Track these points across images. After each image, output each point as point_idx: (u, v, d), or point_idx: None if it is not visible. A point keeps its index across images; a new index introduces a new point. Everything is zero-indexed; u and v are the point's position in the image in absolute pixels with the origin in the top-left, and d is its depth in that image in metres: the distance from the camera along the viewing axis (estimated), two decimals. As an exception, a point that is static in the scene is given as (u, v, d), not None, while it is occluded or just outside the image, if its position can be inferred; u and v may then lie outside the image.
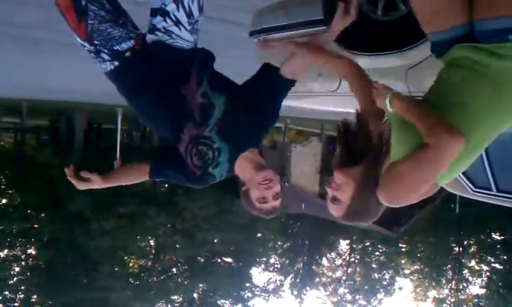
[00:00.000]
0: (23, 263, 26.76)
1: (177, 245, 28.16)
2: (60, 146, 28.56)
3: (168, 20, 2.22)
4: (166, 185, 31.61)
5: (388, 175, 1.80)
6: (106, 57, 2.25)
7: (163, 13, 2.21)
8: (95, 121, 31.97)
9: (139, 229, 27.19)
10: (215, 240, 28.14)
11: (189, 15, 2.24)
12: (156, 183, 32.01)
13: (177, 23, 2.23)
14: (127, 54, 2.24)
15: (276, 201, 2.21)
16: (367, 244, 36.32)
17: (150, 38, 2.26)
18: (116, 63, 2.25)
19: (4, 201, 30.21)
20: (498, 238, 28.92)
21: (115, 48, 2.22)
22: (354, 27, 2.96)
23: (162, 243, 28.77)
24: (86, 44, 2.24)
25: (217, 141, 2.19)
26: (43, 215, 27.59)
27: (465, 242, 31.39)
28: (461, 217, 28.26)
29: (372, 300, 33.22)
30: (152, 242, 29.66)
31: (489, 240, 30.09)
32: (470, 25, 1.79)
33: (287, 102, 4.10)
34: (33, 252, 27.25)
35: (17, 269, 26.53)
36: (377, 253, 36.10)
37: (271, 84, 2.41)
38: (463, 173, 3.43)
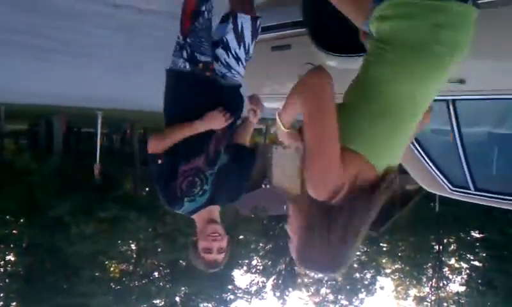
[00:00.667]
0: (1, 269, 26.36)
1: (159, 249, 28.00)
2: (39, 151, 28.22)
3: (229, 54, 2.51)
4: (147, 189, 31.45)
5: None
6: (185, 55, 2.44)
7: (225, 47, 2.49)
8: (75, 124, 31.68)
9: (120, 234, 26.97)
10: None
11: (247, 52, 2.57)
12: (137, 187, 31.88)
13: (237, 59, 2.53)
14: (200, 65, 2.44)
15: (219, 255, 2.38)
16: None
17: (216, 67, 2.50)
18: (188, 67, 2.45)
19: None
20: (478, 236, 29.30)
21: (196, 54, 2.42)
22: (333, 30, 2.99)
23: (144, 247, 28.59)
24: (180, 36, 2.46)
25: (208, 185, 2.41)
26: (22, 220, 27.22)
27: (445, 240, 31.76)
28: (441, 215, 28.61)
29: (354, 300, 33.43)
30: (133, 246, 29.45)
31: (468, 238, 30.48)
32: None
33: (266, 104, 4.14)
34: (12, 259, 26.85)
35: (-5, 276, 26.15)
36: (358, 253, 36.38)
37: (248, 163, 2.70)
38: (441, 172, 3.48)
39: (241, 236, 31.80)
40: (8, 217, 27.22)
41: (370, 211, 1.60)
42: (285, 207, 31.08)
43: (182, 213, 2.50)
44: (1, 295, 25.84)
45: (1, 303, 25.78)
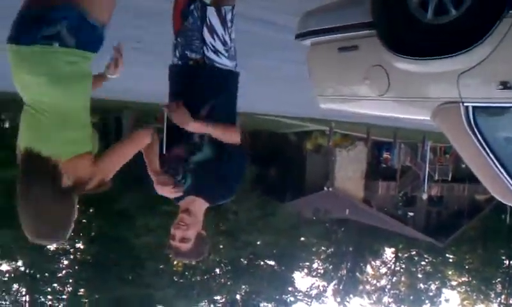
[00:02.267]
0: (71, 256, 27.47)
1: (221, 246, 28.28)
2: (108, 144, 29.19)
3: (215, 37, 2.50)
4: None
5: None
6: (177, 54, 2.58)
7: (210, 29, 2.50)
8: (143, 120, 32.58)
9: (185, 229, 27.44)
10: (258, 243, 28.13)
11: (224, 42, 2.52)
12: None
13: (215, 51, 2.50)
14: (191, 62, 2.53)
15: (181, 244, 2.42)
16: (413, 253, 35.61)
17: (208, 56, 2.52)
18: (180, 63, 2.57)
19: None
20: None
21: (186, 52, 2.53)
22: (404, 31, 2.90)
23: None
24: (173, 34, 2.60)
25: (188, 175, 2.48)
26: (91, 210, 28.26)
27: (516, 255, 30.34)
28: (512, 228, 27.35)
29: (417, 310, 32.54)
30: (196, 242, 29.90)
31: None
32: None
33: (332, 105, 4.07)
34: (81, 247, 27.94)
35: (66, 262, 27.27)
36: (423, 263, 35.35)
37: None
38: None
39: (302, 239, 31.63)
40: (78, 206, 28.33)
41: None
42: (347, 211, 30.72)
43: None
44: (70, 281, 26.99)
45: (70, 288, 26.92)
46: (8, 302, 26.46)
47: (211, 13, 2.48)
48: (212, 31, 2.48)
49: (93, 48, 2.04)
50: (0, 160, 27.57)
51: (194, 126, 2.41)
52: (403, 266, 36.14)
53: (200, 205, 2.52)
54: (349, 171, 32.79)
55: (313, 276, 33.90)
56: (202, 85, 2.52)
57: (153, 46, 6.69)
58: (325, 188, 31.72)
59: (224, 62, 2.53)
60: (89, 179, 2.10)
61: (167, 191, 2.52)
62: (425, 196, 30.95)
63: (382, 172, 34.60)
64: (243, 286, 29.29)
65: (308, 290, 32.67)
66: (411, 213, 35.12)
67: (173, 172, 2.49)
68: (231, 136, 2.49)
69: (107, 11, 2.08)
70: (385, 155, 36.21)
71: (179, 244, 2.43)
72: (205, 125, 2.41)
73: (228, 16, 2.53)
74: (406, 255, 36.04)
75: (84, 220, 28.08)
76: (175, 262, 28.62)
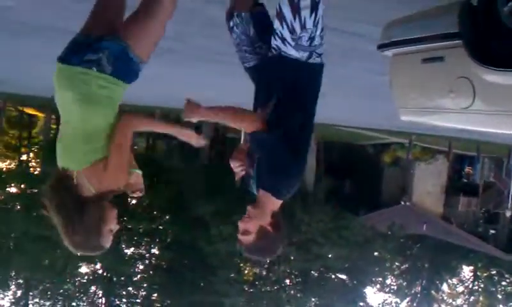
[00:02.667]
0: (146, 261, 28.34)
1: (292, 257, 28.20)
2: (187, 152, 29.92)
3: (276, 36, 2.45)
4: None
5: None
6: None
7: (280, 17, 2.43)
8: (221, 129, 33.18)
9: (256, 238, 27.60)
10: (330, 256, 27.82)
11: (292, 30, 2.40)
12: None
13: (283, 40, 2.43)
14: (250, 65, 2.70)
15: (243, 236, 2.39)
16: (493, 272, 34.04)
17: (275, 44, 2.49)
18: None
19: (133, 202, 32.29)
20: None
21: (244, 64, 2.72)
22: (494, 41, 2.76)
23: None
24: None
25: (254, 171, 2.49)
26: (167, 217, 29.05)
27: None
28: None
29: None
30: (267, 252, 29.97)
31: None
32: None
33: (413, 118, 3.95)
34: (156, 252, 28.77)
35: (141, 267, 28.16)
36: (504, 283, 33.69)
37: None
38: None
39: (376, 253, 30.96)
40: (155, 212, 29.23)
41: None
42: (424, 226, 29.78)
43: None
44: (145, 285, 27.83)
45: (144, 293, 27.76)
46: (85, 304, 27.67)
47: (283, 1, 2.40)
48: (281, 18, 2.40)
49: (126, 79, 2.24)
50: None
51: (207, 114, 2.39)
52: (482, 285, 34.59)
53: (266, 199, 2.42)
54: (428, 185, 31.89)
55: (385, 292, 33.06)
56: (269, 75, 2.51)
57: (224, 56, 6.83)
58: (402, 203, 30.99)
59: (289, 51, 2.44)
60: (111, 182, 2.18)
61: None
62: (508, 213, 29.50)
63: (463, 187, 33.41)
64: (313, 299, 29.03)
65: (380, 306, 31.91)
66: (492, 231, 33.70)
67: (248, 169, 2.55)
68: (245, 120, 2.44)
69: (148, 51, 2.30)
70: (467, 169, 35.02)
71: (241, 236, 2.41)
72: (214, 111, 2.40)
73: (302, 4, 2.38)
74: (485, 274, 34.50)
75: (160, 227, 28.94)
76: (246, 271, 28.87)
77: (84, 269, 27.63)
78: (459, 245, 30.81)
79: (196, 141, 2.43)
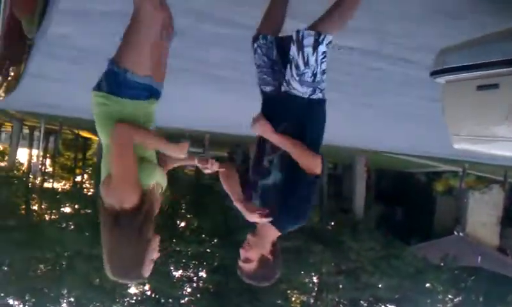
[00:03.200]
0: (194, 284, 28.47)
1: (340, 286, 27.74)
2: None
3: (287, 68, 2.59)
4: (333, 223, 31.55)
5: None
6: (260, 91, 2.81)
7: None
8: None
9: (304, 265, 27.34)
10: (379, 285, 27.19)
11: (296, 66, 2.54)
12: (323, 220, 32.21)
13: (291, 74, 2.56)
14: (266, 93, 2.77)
15: (244, 264, 2.54)
16: (554, 309, 32.43)
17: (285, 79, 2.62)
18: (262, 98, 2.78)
19: (182, 224, 32.68)
20: None
21: (261, 87, 2.79)
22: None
23: (326, 281, 28.58)
24: None
25: (257, 200, 2.58)
26: (215, 240, 29.20)
27: None
28: None
29: None
30: (315, 279, 29.63)
31: None
32: None
33: (467, 146, 3.83)
34: (204, 276, 28.87)
35: (189, 290, 28.28)
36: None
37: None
38: None
39: (428, 285, 30.05)
40: (203, 236, 29.44)
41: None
42: (479, 258, 28.75)
43: None
44: (192, 307, 27.94)
45: (191, 316, 27.85)
46: (132, 325, 27.99)
47: (307, 34, 2.54)
48: (299, 49, 2.54)
49: (121, 94, 2.27)
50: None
51: (274, 137, 2.47)
52: (542, 323, 32.95)
53: (270, 231, 2.50)
54: (482, 215, 30.91)
55: (438, 325, 31.94)
56: (279, 109, 2.60)
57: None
58: (455, 233, 30.11)
59: (295, 85, 2.55)
60: (120, 196, 2.17)
61: (255, 217, 2.53)
62: None
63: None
64: (362, 329, 28.39)
65: (432, 340, 30.83)
66: (550, 265, 32.17)
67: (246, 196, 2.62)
68: (309, 161, 2.46)
69: (140, 61, 2.31)
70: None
71: (242, 263, 2.53)
72: (285, 139, 2.45)
73: (305, 42, 2.51)
74: (546, 311, 32.88)
75: (208, 250, 29.09)
76: (293, 298, 28.57)
77: (132, 290, 28.00)
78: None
79: (180, 150, 2.42)
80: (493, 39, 3.31)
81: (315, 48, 2.52)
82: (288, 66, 2.57)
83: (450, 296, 32.82)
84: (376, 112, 8.89)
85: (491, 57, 3.15)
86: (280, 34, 2.86)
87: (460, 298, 33.00)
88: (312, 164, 2.44)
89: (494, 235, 31.32)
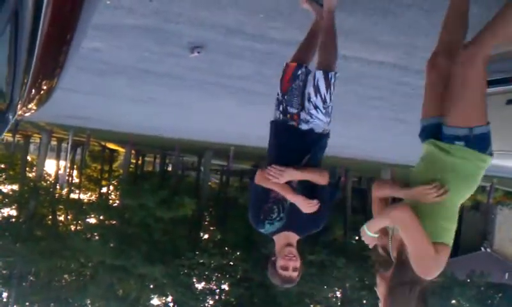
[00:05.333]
0: (216, 297, 28.42)
1: (364, 301, 27.41)
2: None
3: (310, 104, 2.99)
4: (356, 238, 31.22)
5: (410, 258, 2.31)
6: (281, 108, 3.07)
7: (307, 97, 3.00)
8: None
9: (327, 279, 27.13)
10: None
11: (324, 100, 2.98)
12: (347, 234, 31.94)
13: (315, 107, 2.98)
14: (288, 115, 3.04)
15: (294, 273, 2.82)
16: None
17: (302, 115, 3.03)
18: (281, 117, 3.07)
19: (206, 236, 32.73)
20: None
21: (288, 108, 3.05)
22: None
23: (349, 296, 28.30)
24: (280, 93, 3.10)
25: (283, 213, 2.90)
26: (238, 253, 29.16)
27: None
28: None
29: None
30: (338, 294, 29.35)
31: None
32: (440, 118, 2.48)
33: (496, 161, 3.77)
34: (226, 288, 28.82)
35: (211, 302, 28.25)
36: None
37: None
38: None
39: (454, 301, 29.50)
40: (226, 248, 29.43)
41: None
42: (506, 275, 28.14)
43: (265, 233, 2.95)
44: (213, 321, 27.87)
45: (211, 330, 27.77)
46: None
47: (320, 75, 2.97)
48: (317, 90, 2.96)
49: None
50: (161, 200, 30.01)
51: (294, 176, 2.85)
52: None
53: (295, 238, 2.92)
54: (511, 231, 30.30)
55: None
56: (302, 138, 2.99)
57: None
58: (482, 249, 29.52)
59: (320, 116, 2.98)
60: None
61: (304, 206, 2.85)
62: None
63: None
64: (387, 346, 27.89)
65: None
66: None
67: (269, 210, 2.91)
68: (323, 178, 2.93)
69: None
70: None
71: (292, 273, 2.81)
72: (302, 173, 2.87)
73: (332, 80, 2.99)
74: None
75: (231, 263, 29.06)
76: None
77: (155, 301, 28.09)
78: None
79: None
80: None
81: (334, 84, 3.03)
82: (315, 99, 2.98)
83: (477, 313, 32.21)
84: (406, 127, 8.84)
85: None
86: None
87: (487, 315, 32.33)
88: (324, 178, 2.95)
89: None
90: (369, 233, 2.53)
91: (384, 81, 5.33)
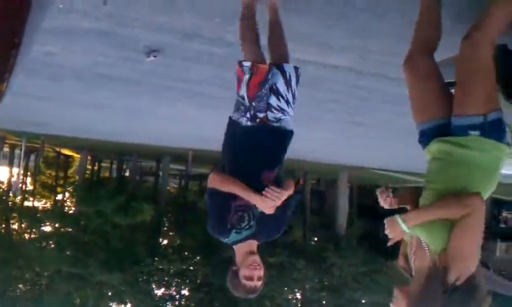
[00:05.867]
0: (176, 302, 28.16)
1: (324, 302, 27.66)
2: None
3: (281, 99, 2.88)
4: (316, 239, 31.54)
5: (453, 259, 2.10)
6: (248, 115, 2.87)
7: (276, 93, 2.88)
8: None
9: (287, 281, 27.24)
10: (363, 301, 27.18)
11: (294, 95, 2.94)
12: (306, 236, 32.20)
13: (287, 102, 2.90)
14: (258, 120, 2.86)
15: (259, 282, 2.70)
16: None
17: (270, 115, 2.88)
18: (249, 124, 2.86)
19: (165, 242, 32.40)
20: None
21: (257, 114, 2.86)
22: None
23: (309, 297, 28.50)
24: (246, 99, 2.88)
25: (253, 221, 2.74)
26: (198, 258, 28.98)
27: None
28: None
29: None
30: (298, 295, 29.53)
31: None
32: (448, 118, 2.31)
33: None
34: (186, 293, 28.59)
35: (170, 308, 27.97)
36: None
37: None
38: None
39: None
40: (186, 253, 29.20)
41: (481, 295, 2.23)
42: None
43: (225, 242, 2.77)
44: (173, 327, 27.59)
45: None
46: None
47: (291, 70, 2.92)
48: (289, 85, 2.90)
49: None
50: (119, 206, 29.55)
51: (286, 195, 2.69)
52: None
53: (255, 245, 2.81)
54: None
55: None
56: (271, 138, 2.86)
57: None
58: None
59: (291, 112, 2.93)
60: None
61: (267, 206, 2.69)
62: (550, 261, 28.42)
63: (501, 232, 32.46)
64: (346, 346, 28.27)
65: None
66: (534, 279, 32.39)
67: (240, 219, 2.73)
68: (292, 188, 2.80)
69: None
70: (505, 214, 34.10)
71: (257, 282, 2.69)
72: (288, 191, 2.72)
73: (299, 73, 2.95)
74: (528, 325, 33.04)
75: (191, 268, 28.85)
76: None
77: (114, 310, 27.63)
78: (496, 292, 29.74)
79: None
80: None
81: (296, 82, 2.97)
82: (279, 102, 2.88)
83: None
84: (363, 130, 8.96)
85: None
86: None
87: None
88: (293, 188, 2.81)
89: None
90: (404, 226, 2.23)
91: (340, 85, 5.40)
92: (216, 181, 2.76)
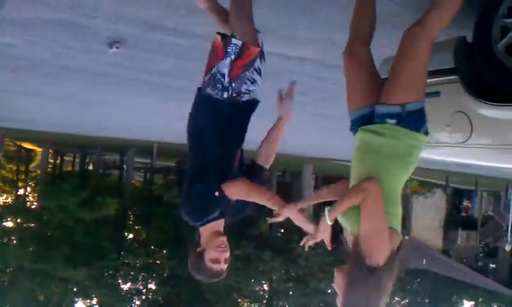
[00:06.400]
0: (143, 297, 27.99)
1: (290, 292, 27.90)
2: (184, 187, 29.84)
3: (254, 71, 2.75)
4: (282, 230, 31.73)
5: (362, 241, 2.18)
6: (225, 96, 2.67)
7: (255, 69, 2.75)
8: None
9: (254, 273, 27.37)
10: (329, 291, 27.52)
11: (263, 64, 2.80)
12: (272, 228, 32.37)
13: (259, 72, 2.79)
14: (235, 96, 2.71)
15: (225, 265, 2.55)
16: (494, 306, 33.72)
17: (244, 87, 2.75)
18: (226, 102, 2.66)
19: (130, 236, 32.10)
20: None
21: (234, 95, 2.70)
22: (489, 76, 2.80)
23: (276, 288, 28.70)
24: (227, 78, 2.65)
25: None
26: (164, 251, 28.82)
27: None
28: None
29: None
30: (265, 287, 29.71)
31: None
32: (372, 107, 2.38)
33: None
34: (153, 287, 28.44)
35: (138, 303, 27.78)
36: None
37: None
38: None
39: (375, 288, 30.68)
40: (152, 247, 29.01)
41: (395, 270, 2.27)
42: (424, 261, 29.50)
43: (197, 224, 2.60)
44: (140, 321, 27.44)
45: (140, 330, 27.36)
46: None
47: (263, 37, 2.82)
48: (262, 55, 2.79)
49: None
50: (82, 201, 29.08)
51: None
52: (483, 320, 34.20)
53: (222, 225, 2.68)
54: (426, 219, 31.74)
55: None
56: (246, 117, 2.81)
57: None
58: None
59: (260, 82, 2.84)
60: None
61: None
62: (508, 247, 29.33)
63: (462, 221, 33.31)
64: (312, 335, 28.63)
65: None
66: (492, 265, 33.51)
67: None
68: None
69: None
70: (465, 203, 35.01)
71: (224, 265, 2.56)
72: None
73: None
74: (486, 309, 34.16)
75: (157, 262, 28.67)
76: (244, 306, 28.51)
77: (80, 305, 27.29)
78: (459, 280, 30.56)
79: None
80: (433, 49, 3.44)
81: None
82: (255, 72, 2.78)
83: (397, 298, 33.63)
84: (327, 122, 9.05)
85: (433, 66, 3.27)
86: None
87: (407, 300, 33.84)
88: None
89: (438, 238, 32.23)
90: (329, 221, 2.32)
91: (304, 76, 5.43)
92: (238, 193, 2.58)
